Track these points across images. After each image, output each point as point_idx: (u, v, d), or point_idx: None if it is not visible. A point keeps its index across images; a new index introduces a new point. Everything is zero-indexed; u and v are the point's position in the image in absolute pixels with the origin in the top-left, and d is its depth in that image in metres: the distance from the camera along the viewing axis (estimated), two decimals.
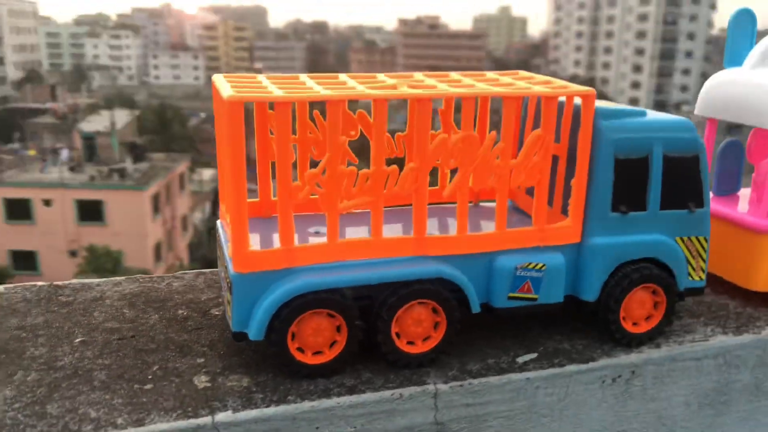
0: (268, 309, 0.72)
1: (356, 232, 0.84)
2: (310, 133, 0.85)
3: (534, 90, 0.79)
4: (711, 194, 1.08)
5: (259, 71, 25.79)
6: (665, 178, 0.86)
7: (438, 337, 0.80)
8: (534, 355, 0.84)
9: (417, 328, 0.79)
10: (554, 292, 0.84)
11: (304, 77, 0.82)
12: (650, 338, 0.88)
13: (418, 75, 0.88)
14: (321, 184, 0.73)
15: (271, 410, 0.70)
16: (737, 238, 1.00)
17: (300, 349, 0.75)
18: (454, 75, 0.87)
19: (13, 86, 27.20)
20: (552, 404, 0.82)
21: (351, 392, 0.74)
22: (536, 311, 0.84)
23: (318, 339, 0.75)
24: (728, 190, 1.11)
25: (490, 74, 0.90)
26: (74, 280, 1.00)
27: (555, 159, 0.83)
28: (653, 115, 0.87)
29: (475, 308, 0.81)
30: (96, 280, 1.00)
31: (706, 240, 0.90)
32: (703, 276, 0.91)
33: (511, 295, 0.82)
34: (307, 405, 0.71)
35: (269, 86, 0.75)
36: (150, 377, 0.75)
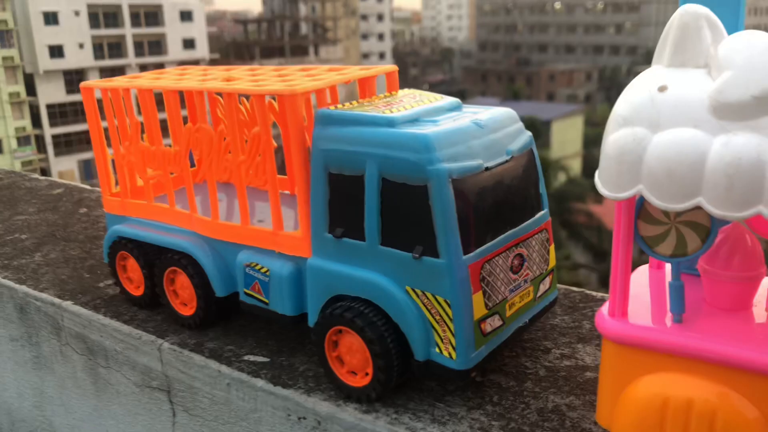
0: (105, 242, 0.98)
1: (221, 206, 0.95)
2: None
3: (233, 87, 0.76)
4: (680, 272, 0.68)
5: None
6: (385, 206, 0.67)
7: (193, 307, 0.88)
8: (264, 359, 0.81)
9: (183, 292, 0.89)
10: (282, 302, 0.79)
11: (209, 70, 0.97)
12: (367, 398, 0.71)
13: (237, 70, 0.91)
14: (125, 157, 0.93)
15: (69, 304, 0.97)
16: None
17: (129, 279, 0.98)
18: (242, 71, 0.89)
19: None
20: (247, 411, 0.80)
21: (119, 319, 0.93)
22: (276, 319, 0.81)
23: (133, 275, 0.96)
24: None
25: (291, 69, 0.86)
26: None
27: None
28: (413, 123, 0.67)
29: (219, 292, 0.85)
30: None
31: (449, 304, 0.65)
32: (455, 355, 0.66)
33: (246, 291, 0.82)
34: (84, 311, 0.95)
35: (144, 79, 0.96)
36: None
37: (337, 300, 0.73)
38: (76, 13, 26.68)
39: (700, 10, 0.54)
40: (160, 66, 24.76)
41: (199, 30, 27.15)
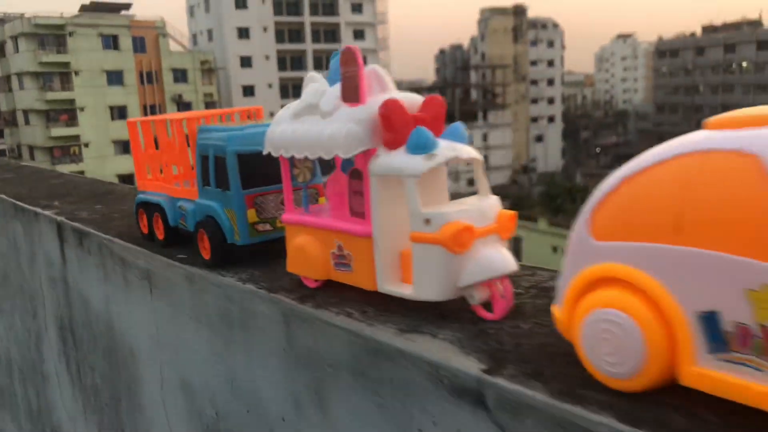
0: (135, 204, 1.79)
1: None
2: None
3: (172, 118, 1.53)
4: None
5: None
6: (216, 168, 1.40)
7: (163, 235, 1.65)
8: (185, 256, 1.55)
9: (161, 227, 1.66)
10: (190, 224, 1.53)
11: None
12: (213, 264, 1.42)
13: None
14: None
15: (118, 240, 1.78)
16: None
17: (144, 225, 1.77)
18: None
19: None
20: (171, 281, 1.53)
21: (135, 244, 1.72)
22: (190, 235, 1.54)
23: (145, 222, 1.75)
24: None
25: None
26: None
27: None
28: (237, 130, 1.40)
29: (171, 223, 1.61)
30: None
31: (235, 213, 1.35)
32: (239, 238, 1.36)
33: (180, 222, 1.57)
34: (123, 243, 1.76)
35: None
36: None
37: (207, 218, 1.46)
38: (267, 58, 30.35)
39: (315, 75, 1.22)
40: None
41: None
